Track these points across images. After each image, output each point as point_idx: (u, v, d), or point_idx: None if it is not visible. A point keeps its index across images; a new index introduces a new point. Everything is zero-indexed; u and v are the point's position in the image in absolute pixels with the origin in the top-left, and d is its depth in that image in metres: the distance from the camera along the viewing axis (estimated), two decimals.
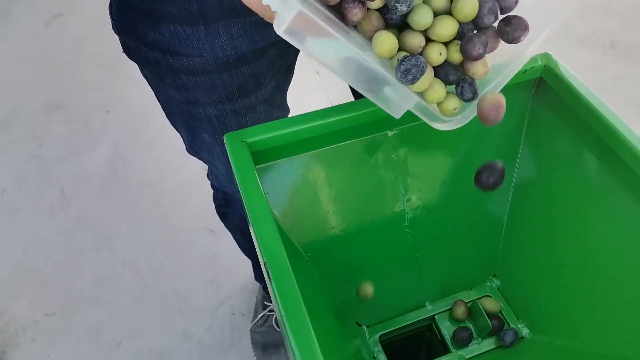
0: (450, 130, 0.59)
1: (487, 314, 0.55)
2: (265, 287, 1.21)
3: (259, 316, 1.19)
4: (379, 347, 0.55)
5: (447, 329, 0.56)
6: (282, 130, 0.47)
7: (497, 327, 0.55)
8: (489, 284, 0.60)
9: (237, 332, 1.22)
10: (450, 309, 0.58)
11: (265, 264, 0.38)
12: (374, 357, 0.54)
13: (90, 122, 1.64)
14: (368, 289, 0.55)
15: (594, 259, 0.53)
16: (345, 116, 0.47)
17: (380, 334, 0.56)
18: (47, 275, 1.32)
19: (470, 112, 0.43)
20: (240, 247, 1.09)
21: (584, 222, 0.54)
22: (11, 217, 1.43)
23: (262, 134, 0.46)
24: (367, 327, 0.57)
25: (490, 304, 0.57)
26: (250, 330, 1.19)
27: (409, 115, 0.50)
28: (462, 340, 0.54)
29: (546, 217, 0.58)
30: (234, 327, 1.23)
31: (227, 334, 1.22)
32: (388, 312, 0.57)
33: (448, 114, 0.43)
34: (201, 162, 0.92)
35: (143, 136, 1.59)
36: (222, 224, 1.04)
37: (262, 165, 0.50)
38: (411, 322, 0.57)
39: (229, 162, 0.45)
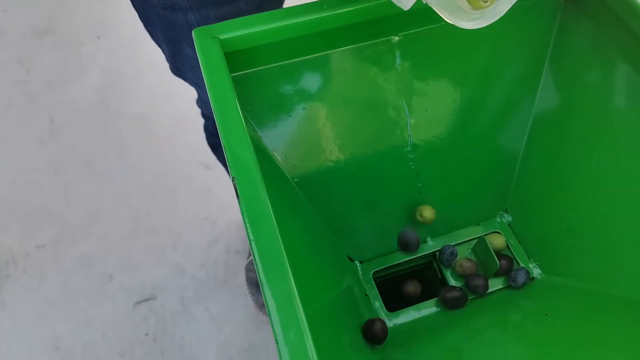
0: (464, 44, 0.51)
1: (494, 252, 0.49)
2: None
3: None
4: (372, 284, 0.50)
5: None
6: (263, 26, 0.39)
7: (506, 266, 0.49)
8: (498, 220, 0.54)
9: (231, 269, 1.18)
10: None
11: (233, 180, 0.32)
12: (366, 295, 0.49)
13: (80, 48, 1.54)
14: (428, 212, 0.49)
15: (615, 199, 0.46)
16: (342, 11, 0.39)
17: (374, 270, 0.51)
18: (37, 206, 1.28)
19: (505, 3, 0.34)
20: None
21: (606, 160, 0.47)
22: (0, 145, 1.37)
23: (239, 29, 0.38)
24: (360, 262, 0.52)
25: (498, 241, 0.51)
26: (245, 267, 1.16)
27: (419, 16, 0.42)
28: (477, 288, 0.48)
29: (566, 152, 0.51)
30: (228, 264, 1.19)
31: (221, 270, 1.19)
32: (384, 247, 0.51)
33: (477, 8, 0.35)
34: (194, 93, 0.85)
35: (135, 64, 1.50)
36: (217, 161, 0.98)
37: (240, 73, 0.42)
38: (410, 258, 0.51)
39: None
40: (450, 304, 0.47)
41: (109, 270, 1.19)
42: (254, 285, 1.13)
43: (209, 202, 1.27)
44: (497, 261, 0.48)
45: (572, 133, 0.50)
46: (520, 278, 0.47)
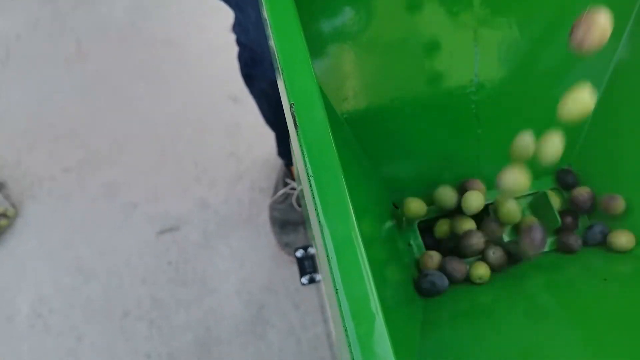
0: None
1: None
2: (287, 164, 1.13)
3: (279, 193, 1.12)
4: (416, 233, 0.47)
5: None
6: None
7: (570, 224, 0.45)
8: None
9: (255, 207, 1.17)
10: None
11: (291, 107, 0.28)
12: (409, 244, 0.46)
13: None
14: (482, 269, 0.45)
15: None
16: None
17: (419, 220, 0.47)
18: (63, 130, 1.26)
19: None
20: (264, 117, 0.99)
21: None
22: (26, 64, 1.34)
23: None
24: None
25: (556, 198, 0.47)
26: (269, 206, 1.14)
27: None
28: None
29: None
30: (252, 201, 1.18)
31: (244, 208, 1.17)
32: (431, 196, 0.48)
33: None
34: (227, 22, 0.79)
35: None
36: (247, 92, 0.94)
37: None
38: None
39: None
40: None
41: (133, 199, 1.18)
42: (277, 224, 1.11)
43: (236, 137, 1.24)
44: (559, 217, 0.44)
45: None
46: (595, 236, 0.43)
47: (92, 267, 1.11)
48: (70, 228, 1.15)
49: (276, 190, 1.15)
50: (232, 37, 0.83)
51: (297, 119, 0.27)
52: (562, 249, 0.45)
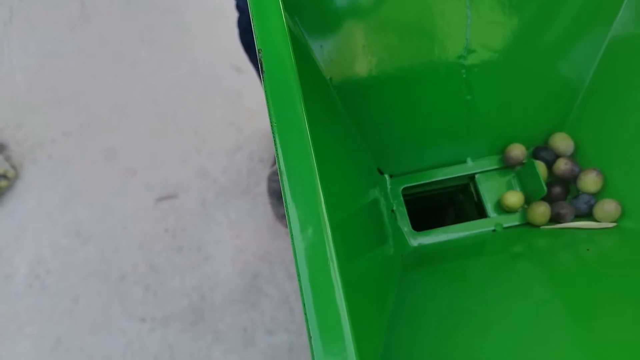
0: None
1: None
2: None
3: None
4: (400, 199, 0.46)
5: (488, 191, 0.46)
6: None
7: (559, 195, 0.44)
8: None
9: (253, 178, 1.17)
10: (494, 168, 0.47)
11: (259, 53, 0.27)
12: (392, 210, 0.45)
13: None
14: (515, 197, 0.44)
15: None
16: None
17: (404, 186, 0.46)
18: (64, 93, 1.26)
19: None
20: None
21: None
22: (29, 25, 1.33)
23: None
24: (391, 176, 0.47)
25: (544, 168, 0.46)
26: (267, 177, 1.13)
27: None
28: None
29: None
30: (251, 172, 1.17)
31: (243, 178, 1.17)
32: (418, 162, 0.47)
33: None
34: None
35: None
36: (249, 62, 0.92)
37: None
38: (444, 178, 0.47)
39: None
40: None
41: (132, 165, 1.18)
42: (275, 196, 1.11)
43: (237, 107, 1.23)
44: (544, 186, 0.43)
45: None
46: (582, 205, 0.42)
47: (89, 230, 1.12)
48: (69, 191, 1.16)
49: (274, 162, 1.15)
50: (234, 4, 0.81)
51: (264, 65, 0.26)
52: (554, 219, 0.44)
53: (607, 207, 0.41)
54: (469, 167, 0.47)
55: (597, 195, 0.44)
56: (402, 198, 0.46)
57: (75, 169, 1.18)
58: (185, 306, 1.06)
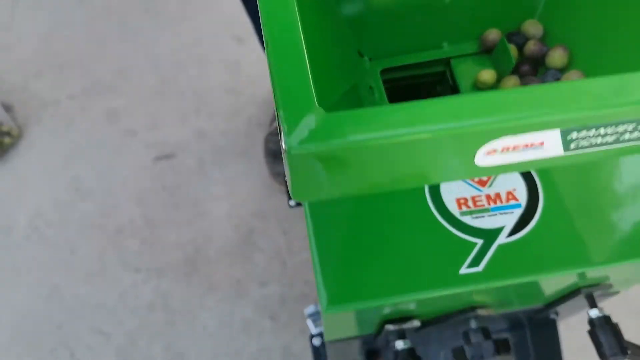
0: None
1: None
2: None
3: (275, 125, 1.14)
4: (378, 77, 0.48)
5: (463, 74, 0.48)
6: None
7: (528, 71, 0.46)
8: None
9: (250, 140, 1.19)
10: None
11: None
12: (370, 87, 0.47)
13: None
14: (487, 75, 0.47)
15: None
16: None
17: (383, 68, 0.49)
18: (69, 58, 1.30)
19: None
20: (262, 44, 1.01)
21: None
22: None
23: None
24: (370, 59, 0.50)
25: (515, 52, 0.48)
26: (264, 138, 1.16)
27: None
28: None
29: None
30: (249, 134, 1.20)
31: (241, 139, 1.20)
32: (396, 45, 0.49)
33: None
34: None
35: None
36: (251, 31, 0.96)
37: None
38: (422, 61, 0.49)
39: None
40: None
41: (133, 126, 1.21)
42: (271, 155, 1.13)
43: (237, 74, 1.27)
44: (513, 59, 0.45)
45: None
46: (550, 77, 0.44)
47: (89, 186, 1.15)
48: (71, 150, 1.19)
49: (272, 123, 1.18)
50: None
51: None
52: None
53: (573, 77, 0.44)
54: (445, 51, 0.50)
55: (563, 71, 0.46)
56: (379, 76, 0.48)
57: (78, 129, 1.21)
58: (180, 258, 1.07)
